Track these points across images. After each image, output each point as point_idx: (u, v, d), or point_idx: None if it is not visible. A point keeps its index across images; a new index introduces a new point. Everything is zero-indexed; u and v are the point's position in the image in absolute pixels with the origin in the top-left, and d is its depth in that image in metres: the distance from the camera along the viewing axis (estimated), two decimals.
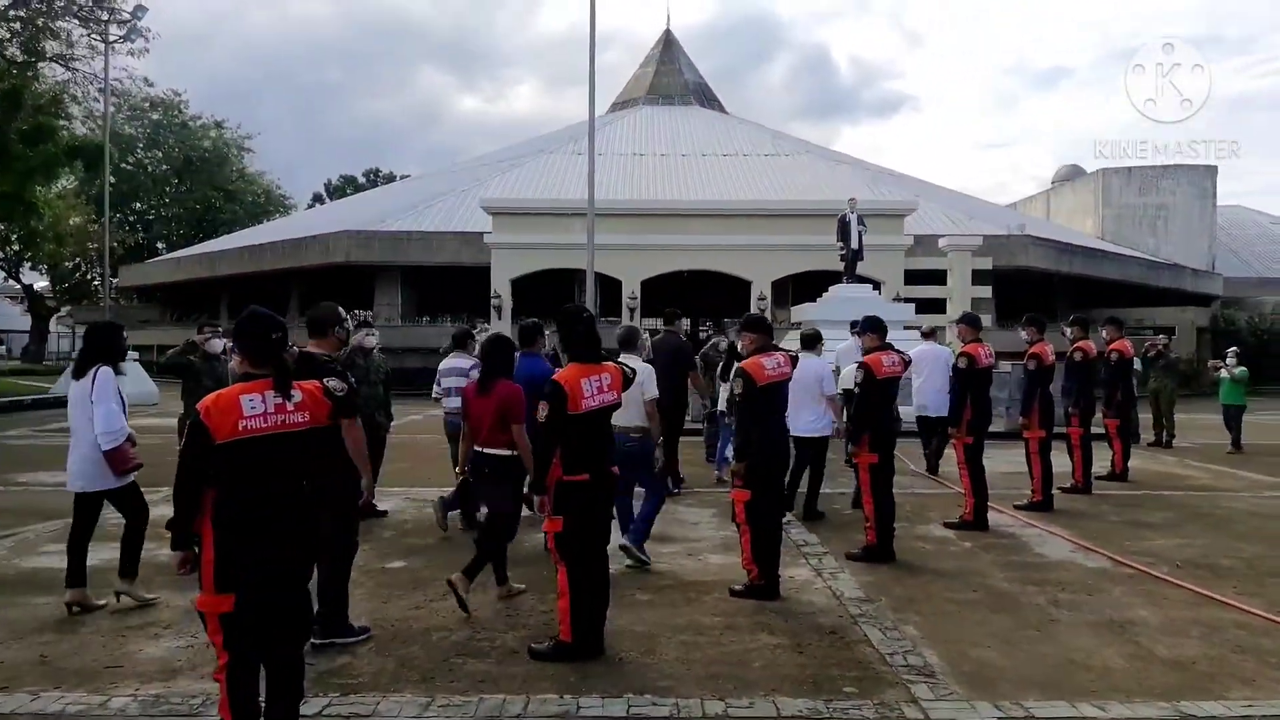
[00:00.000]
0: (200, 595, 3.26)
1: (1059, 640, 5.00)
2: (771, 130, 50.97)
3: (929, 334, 12.36)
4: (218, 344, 7.94)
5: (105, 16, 25.90)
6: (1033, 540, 7.56)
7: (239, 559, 3.20)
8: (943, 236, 25.01)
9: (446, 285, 33.09)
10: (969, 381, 7.80)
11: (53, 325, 54.09)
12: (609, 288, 23.27)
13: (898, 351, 6.90)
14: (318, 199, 73.40)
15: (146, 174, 57.23)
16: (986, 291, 22.89)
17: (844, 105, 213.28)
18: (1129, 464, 11.02)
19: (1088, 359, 9.88)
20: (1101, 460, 10.52)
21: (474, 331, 9.03)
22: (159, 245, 57.02)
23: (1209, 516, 8.68)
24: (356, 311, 34.16)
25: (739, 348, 6.29)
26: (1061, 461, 9.78)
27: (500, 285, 22.60)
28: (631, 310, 22.58)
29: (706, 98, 54.82)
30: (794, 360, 6.04)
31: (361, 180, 75.38)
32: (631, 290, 22.83)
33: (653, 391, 6.30)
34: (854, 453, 6.73)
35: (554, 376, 4.50)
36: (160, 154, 57.96)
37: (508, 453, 5.39)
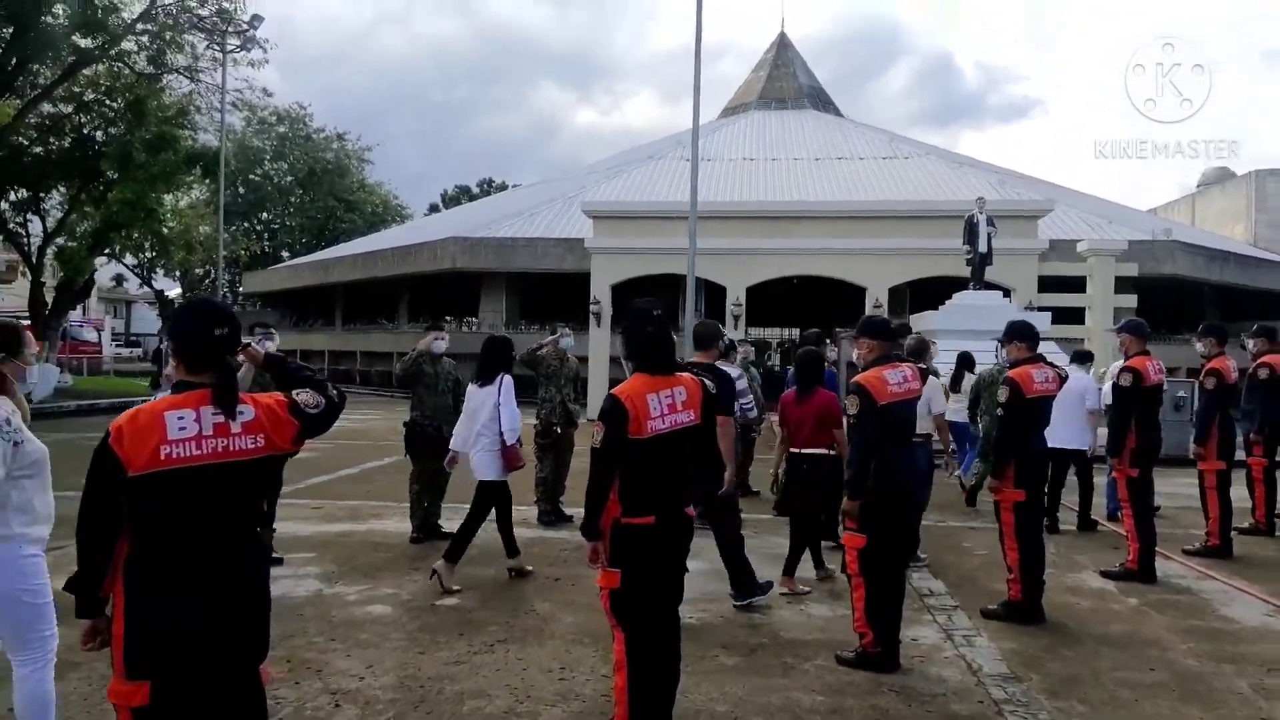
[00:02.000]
0: (111, 681, 2.43)
1: None
2: (889, 133, 48.90)
3: (1083, 359, 9.45)
4: (270, 345, 7.29)
5: (225, 28, 26.46)
6: (1216, 598, 6.15)
7: (158, 635, 2.36)
8: (1080, 241, 22.92)
9: (550, 291, 32.70)
10: (1134, 402, 6.45)
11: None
12: (713, 294, 22.18)
13: (1051, 365, 5.65)
14: (434, 209, 74.88)
15: (272, 185, 59.49)
16: (1131, 301, 20.72)
17: (968, 110, 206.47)
18: None
19: (1275, 376, 8.28)
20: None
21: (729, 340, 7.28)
22: (283, 253, 59.12)
23: None
24: (447, 318, 34.15)
25: (855, 357, 5.18)
26: (1238, 495, 8.25)
27: (600, 291, 21.78)
28: (736, 318, 21.39)
29: (821, 101, 53.18)
30: (923, 374, 4.92)
31: (475, 190, 76.69)
32: (736, 297, 21.64)
33: (940, 406, 7.06)
34: (995, 487, 5.52)
35: (614, 391, 3.53)
36: (285, 165, 60.16)
37: (826, 453, 6.12)
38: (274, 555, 6.42)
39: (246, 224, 59.76)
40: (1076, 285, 21.41)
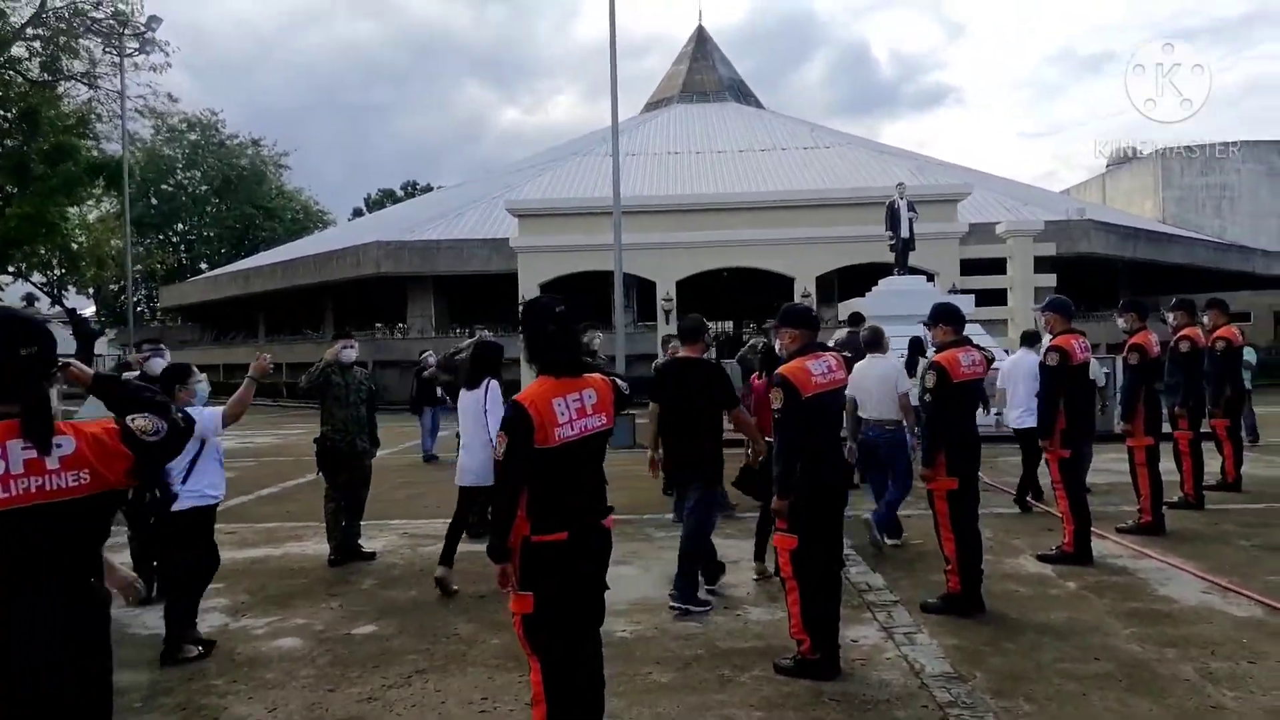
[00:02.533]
0: None
1: None
2: (809, 123, 49.32)
3: (1030, 341, 9.07)
4: (158, 363, 6.78)
5: (121, 30, 25.31)
6: (1153, 577, 6.10)
7: None
8: (999, 223, 23.31)
9: (479, 294, 32.11)
10: (1062, 381, 6.37)
11: (100, 348, 54.23)
12: (644, 290, 21.99)
13: (978, 348, 5.51)
14: (357, 213, 73.25)
15: (187, 194, 57.44)
16: (1051, 280, 21.12)
17: (884, 100, 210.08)
18: (1241, 470, 9.46)
19: (1196, 349, 8.35)
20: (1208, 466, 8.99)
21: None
22: (202, 265, 57.11)
23: None
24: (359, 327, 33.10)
25: (778, 348, 4.97)
26: (1166, 469, 8.31)
27: (528, 291, 21.34)
28: (666, 312, 21.23)
29: (742, 93, 53.47)
30: (848, 363, 4.72)
31: (400, 193, 75.18)
32: (666, 291, 21.47)
33: (905, 385, 7.05)
34: (927, 476, 5.36)
35: (516, 397, 3.22)
36: (199, 174, 58.15)
37: None
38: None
39: (161, 236, 57.68)
40: (998, 267, 21.76)
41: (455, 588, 6.15)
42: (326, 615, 5.75)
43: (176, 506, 4.91)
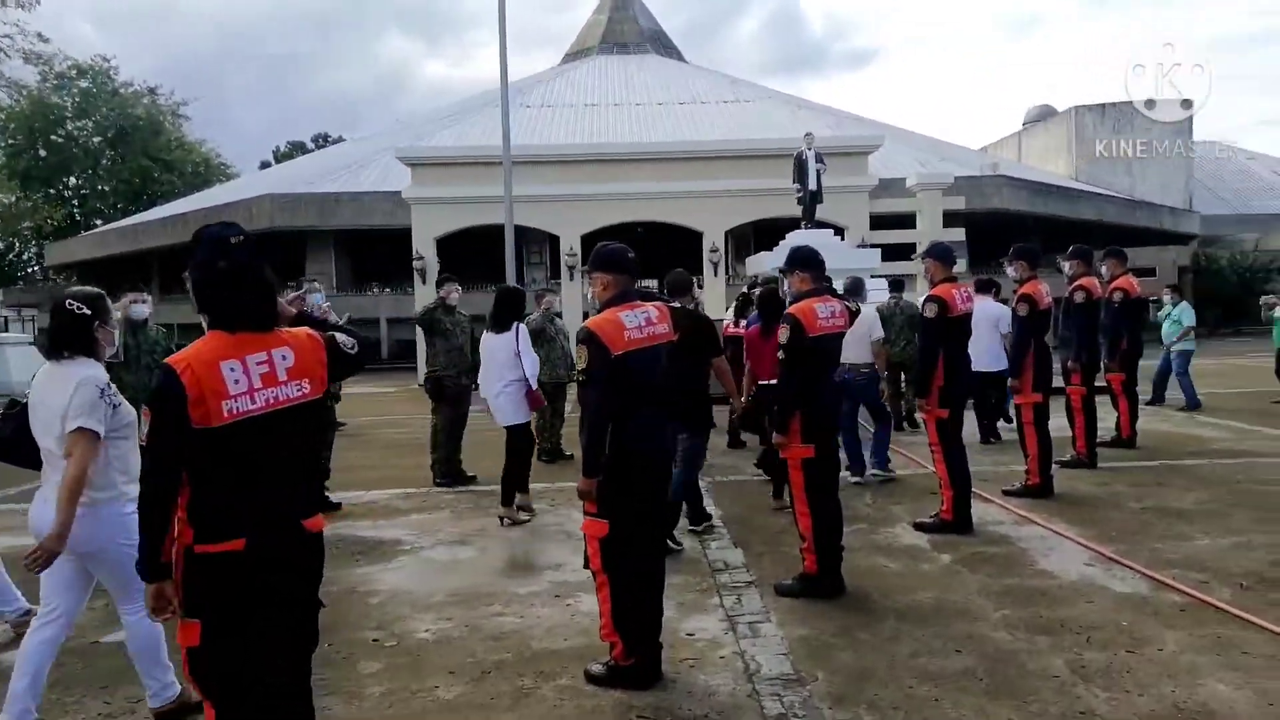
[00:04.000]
0: None
1: None
2: (730, 77, 48.48)
3: (986, 288, 9.63)
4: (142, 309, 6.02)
5: None
6: (1034, 546, 5.58)
7: None
8: (908, 177, 22.91)
9: (382, 250, 30.72)
10: (941, 334, 5.77)
11: None
12: (553, 245, 21.03)
13: (840, 297, 4.84)
14: (264, 166, 70.18)
15: (78, 146, 54.02)
16: (960, 234, 20.81)
17: (814, 59, 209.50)
18: (1136, 427, 9.12)
19: (1091, 300, 7.87)
20: (1102, 421, 8.62)
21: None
22: (96, 222, 53.95)
23: (1255, 496, 6.75)
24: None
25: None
26: (1057, 425, 7.88)
27: (423, 245, 20.23)
28: (570, 269, 20.35)
29: (664, 45, 52.29)
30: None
31: (310, 146, 72.12)
32: (570, 246, 20.54)
33: (879, 332, 7.75)
34: (780, 443, 4.69)
35: (169, 360, 2.40)
36: (91, 124, 54.75)
37: None
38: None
39: (52, 190, 54.31)
40: (908, 222, 21.38)
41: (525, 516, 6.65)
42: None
43: None
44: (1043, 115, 49.75)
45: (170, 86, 62.24)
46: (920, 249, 20.60)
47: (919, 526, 5.98)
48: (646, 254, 27.03)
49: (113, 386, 3.40)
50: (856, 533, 5.91)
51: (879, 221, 21.38)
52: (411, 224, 20.60)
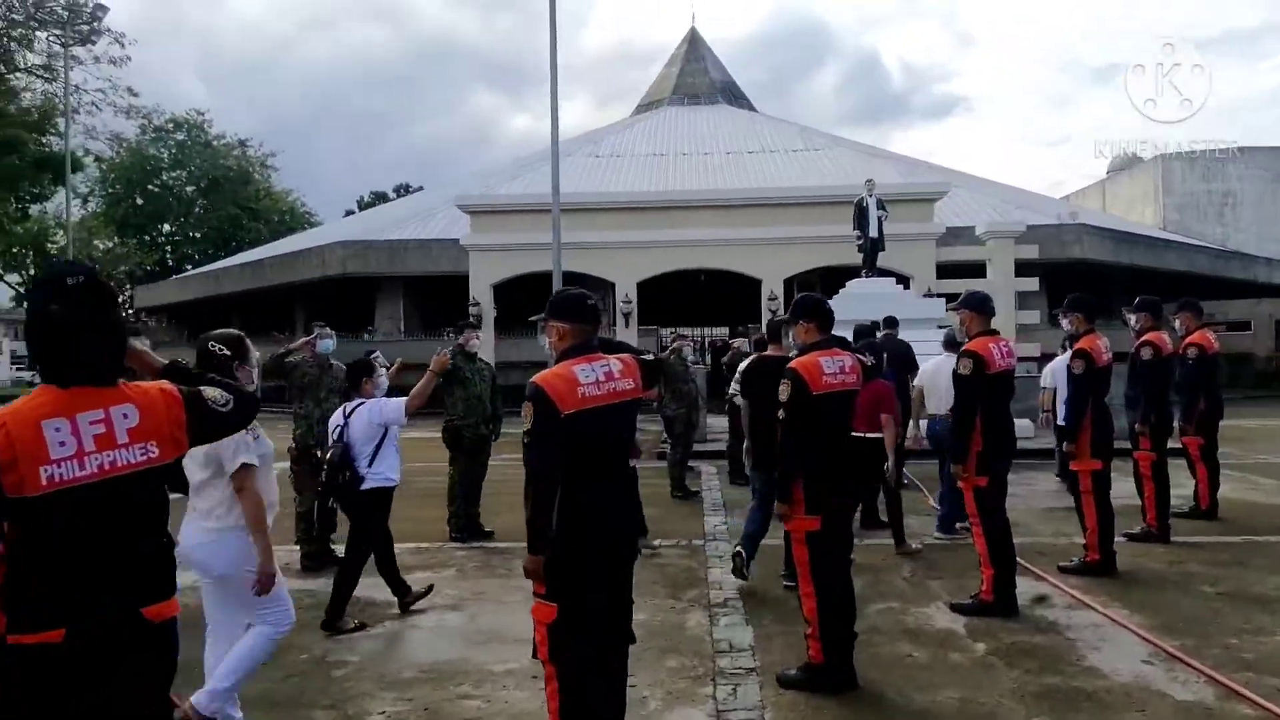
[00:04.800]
0: None
1: None
2: (800, 126, 48.20)
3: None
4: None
5: (70, 18, 24.26)
6: (1086, 636, 4.90)
7: None
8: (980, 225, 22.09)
9: (448, 295, 30.99)
10: (978, 393, 5.20)
11: None
12: (603, 292, 20.80)
13: (854, 351, 4.34)
14: (349, 215, 72.42)
15: (172, 194, 56.65)
16: (1033, 284, 19.92)
17: (895, 109, 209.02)
18: (1217, 496, 8.26)
19: (1160, 357, 7.16)
20: (1179, 488, 7.82)
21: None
22: (187, 266, 56.21)
23: None
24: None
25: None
26: (1126, 492, 7.15)
27: (480, 292, 20.23)
28: (625, 315, 20.05)
29: (735, 96, 52.45)
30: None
31: (392, 196, 74.25)
32: (625, 293, 20.28)
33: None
34: (784, 514, 4.17)
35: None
36: (185, 174, 57.48)
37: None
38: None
39: (146, 236, 56.84)
40: (979, 271, 20.55)
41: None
42: None
43: (362, 487, 5.32)
44: (1128, 164, 48.15)
45: (265, 139, 64.87)
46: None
47: (956, 608, 5.35)
48: (705, 300, 26.67)
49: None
50: (885, 612, 5.34)
51: (947, 270, 20.61)
52: (469, 270, 20.62)
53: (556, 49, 15.86)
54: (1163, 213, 44.32)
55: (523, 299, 22.11)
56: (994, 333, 5.36)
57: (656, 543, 7.29)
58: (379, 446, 5.39)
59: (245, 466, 3.50)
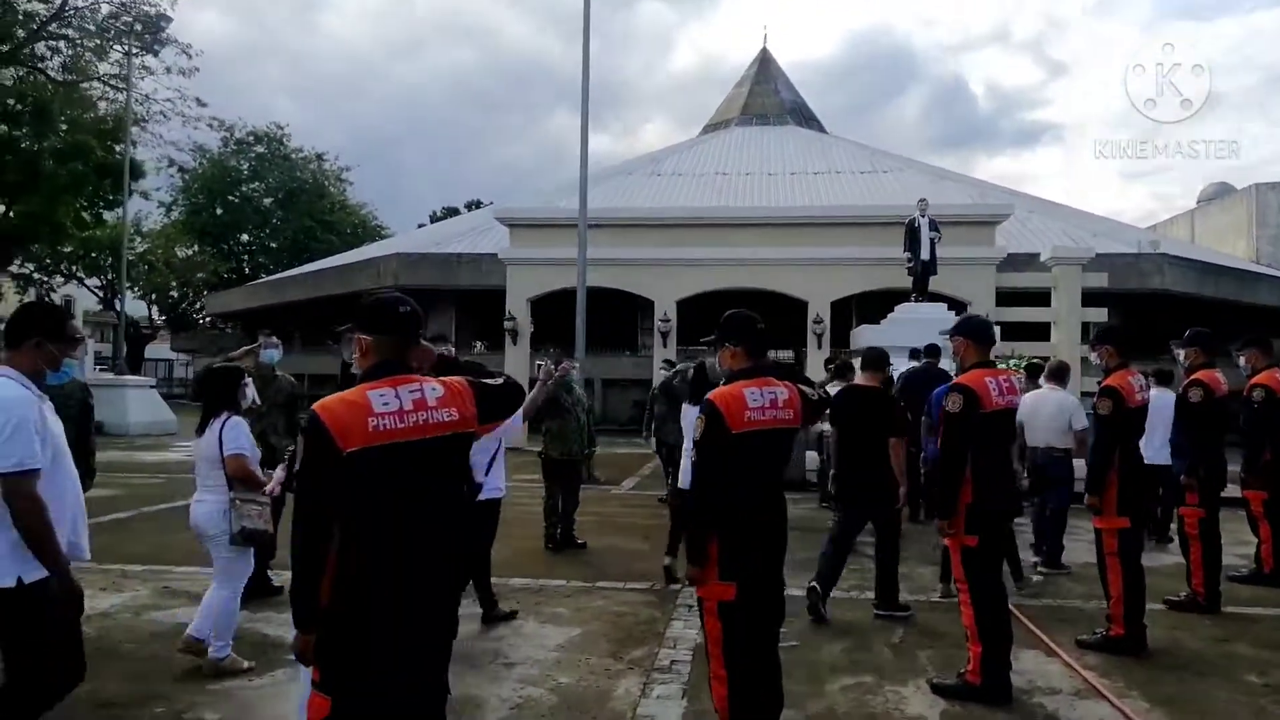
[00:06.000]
0: None
1: None
2: (871, 148, 47.05)
3: (1165, 380, 8.99)
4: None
5: (137, 28, 24.82)
6: None
7: None
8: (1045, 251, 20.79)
9: (498, 311, 30.87)
10: (968, 434, 4.38)
11: (150, 352, 54.93)
12: (643, 309, 20.14)
13: (796, 380, 3.59)
14: (420, 228, 73.54)
15: (251, 205, 58.34)
16: (1101, 315, 18.51)
17: (980, 135, 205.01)
18: None
19: (1212, 398, 6.19)
20: (1240, 548, 6.80)
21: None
22: (262, 275, 57.63)
23: None
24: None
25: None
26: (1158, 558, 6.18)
27: (516, 306, 19.78)
28: (664, 334, 19.35)
29: (804, 117, 51.62)
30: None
31: (462, 210, 75.26)
32: (664, 311, 19.57)
33: (1081, 421, 7.26)
34: (695, 578, 3.43)
35: None
36: (263, 186, 59.24)
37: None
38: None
39: (225, 245, 58.46)
40: (1043, 299, 19.28)
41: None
42: None
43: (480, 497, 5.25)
44: (1219, 193, 45.78)
45: (340, 153, 66.53)
46: (1053, 330, 18.57)
47: (938, 689, 4.52)
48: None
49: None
50: (851, 690, 4.54)
51: (1009, 298, 19.40)
52: (507, 284, 20.24)
53: (588, 69, 15.40)
54: (1255, 245, 41.83)
55: (559, 314, 21.65)
56: (991, 364, 4.54)
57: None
58: (494, 458, 5.39)
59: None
